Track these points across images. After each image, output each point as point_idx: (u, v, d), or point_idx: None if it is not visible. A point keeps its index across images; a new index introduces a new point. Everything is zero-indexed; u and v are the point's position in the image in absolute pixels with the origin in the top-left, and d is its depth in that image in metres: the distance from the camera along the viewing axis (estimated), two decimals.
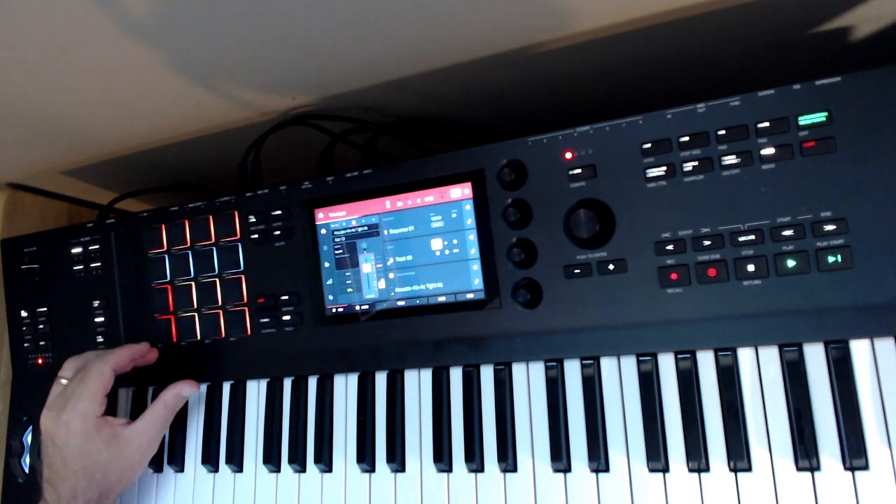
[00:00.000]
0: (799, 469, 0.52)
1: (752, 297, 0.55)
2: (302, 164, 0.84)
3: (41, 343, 0.82)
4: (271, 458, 0.70)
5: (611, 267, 0.59)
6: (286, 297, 0.71)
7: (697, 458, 0.55)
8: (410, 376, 0.67)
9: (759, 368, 0.55)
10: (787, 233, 0.54)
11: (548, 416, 0.60)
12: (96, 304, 0.79)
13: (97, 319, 0.79)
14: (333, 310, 0.69)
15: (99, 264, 0.80)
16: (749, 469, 0.54)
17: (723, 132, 0.56)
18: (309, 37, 0.59)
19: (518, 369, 0.63)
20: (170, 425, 0.71)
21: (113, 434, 0.65)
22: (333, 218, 0.69)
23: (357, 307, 0.69)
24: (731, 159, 0.55)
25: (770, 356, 0.55)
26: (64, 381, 0.68)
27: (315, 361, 0.70)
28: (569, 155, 0.61)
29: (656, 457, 0.56)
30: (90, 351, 0.73)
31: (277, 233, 0.71)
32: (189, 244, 0.75)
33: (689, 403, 0.56)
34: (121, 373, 0.70)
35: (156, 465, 0.75)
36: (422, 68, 0.66)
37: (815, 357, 0.54)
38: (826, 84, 0.53)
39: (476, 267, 0.64)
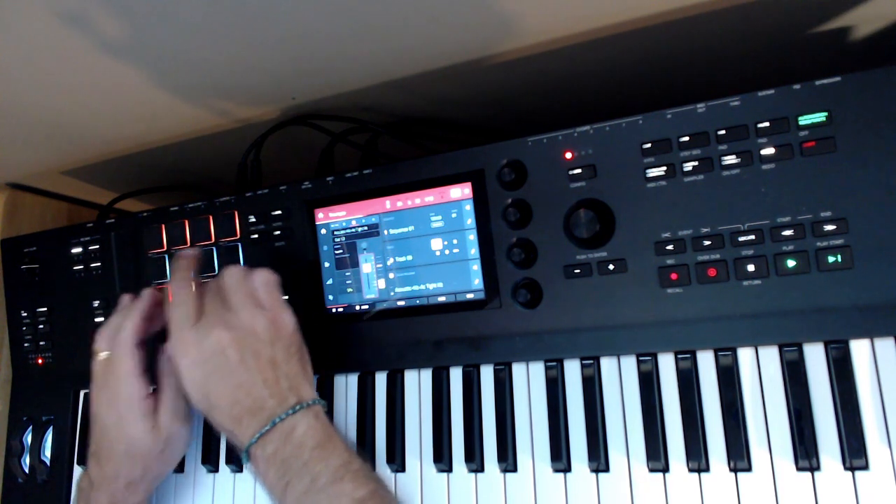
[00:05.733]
0: (799, 469, 0.52)
1: (752, 297, 0.55)
2: (302, 164, 0.84)
3: (41, 343, 0.82)
4: None
5: (611, 267, 0.59)
6: (286, 297, 0.71)
7: (697, 458, 0.55)
8: (410, 376, 0.67)
9: (759, 368, 0.55)
10: (787, 233, 0.54)
11: (548, 416, 0.60)
12: (96, 304, 0.79)
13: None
14: (333, 310, 0.69)
15: (99, 264, 0.80)
16: (749, 469, 0.54)
17: (723, 132, 0.56)
18: (309, 37, 0.59)
19: (518, 369, 0.63)
20: None
21: (155, 422, 0.64)
22: (333, 218, 0.69)
23: (357, 307, 0.69)
24: (731, 159, 0.55)
25: (770, 356, 0.55)
26: (102, 356, 0.66)
27: (315, 361, 0.70)
28: (569, 155, 0.61)
29: (656, 457, 0.56)
30: (114, 318, 0.67)
31: (277, 233, 0.71)
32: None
33: (689, 403, 0.56)
34: (151, 334, 0.67)
35: None
36: (422, 68, 0.66)
37: (815, 357, 0.54)
38: (826, 84, 0.53)
39: (476, 267, 0.64)
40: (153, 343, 0.67)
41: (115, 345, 0.65)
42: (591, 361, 0.60)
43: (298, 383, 0.60)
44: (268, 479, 0.57)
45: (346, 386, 0.69)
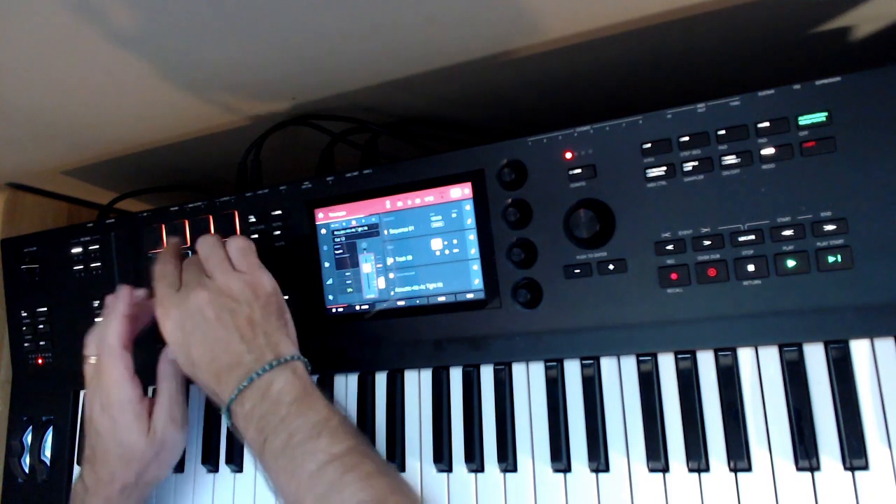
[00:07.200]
0: (799, 469, 0.52)
1: (752, 297, 0.55)
2: (302, 164, 0.84)
3: (41, 343, 0.82)
4: None
5: (611, 267, 0.59)
6: (286, 297, 0.71)
7: (697, 458, 0.55)
8: (410, 376, 0.67)
9: (759, 368, 0.55)
10: (787, 233, 0.54)
11: (548, 416, 0.60)
12: (96, 304, 0.79)
13: (97, 319, 0.79)
14: (333, 310, 0.69)
15: (99, 264, 0.80)
16: (749, 469, 0.54)
17: (723, 132, 0.56)
18: (309, 37, 0.59)
19: (518, 369, 0.63)
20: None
21: (149, 426, 0.64)
22: (333, 218, 0.69)
23: (357, 307, 0.69)
24: (731, 159, 0.55)
25: (770, 356, 0.55)
26: (92, 360, 0.66)
27: (315, 361, 0.70)
28: (569, 155, 0.61)
29: (656, 457, 0.56)
30: (101, 321, 0.68)
31: (277, 233, 0.71)
32: (189, 244, 0.75)
33: (689, 403, 0.56)
34: (136, 335, 0.67)
35: None
36: (422, 68, 0.66)
37: (815, 357, 0.54)
38: (826, 84, 0.53)
39: (476, 267, 0.64)
40: (153, 345, 0.67)
41: (101, 350, 0.65)
42: (591, 361, 0.60)
43: (277, 340, 0.60)
44: (248, 435, 0.57)
45: (346, 386, 0.69)
